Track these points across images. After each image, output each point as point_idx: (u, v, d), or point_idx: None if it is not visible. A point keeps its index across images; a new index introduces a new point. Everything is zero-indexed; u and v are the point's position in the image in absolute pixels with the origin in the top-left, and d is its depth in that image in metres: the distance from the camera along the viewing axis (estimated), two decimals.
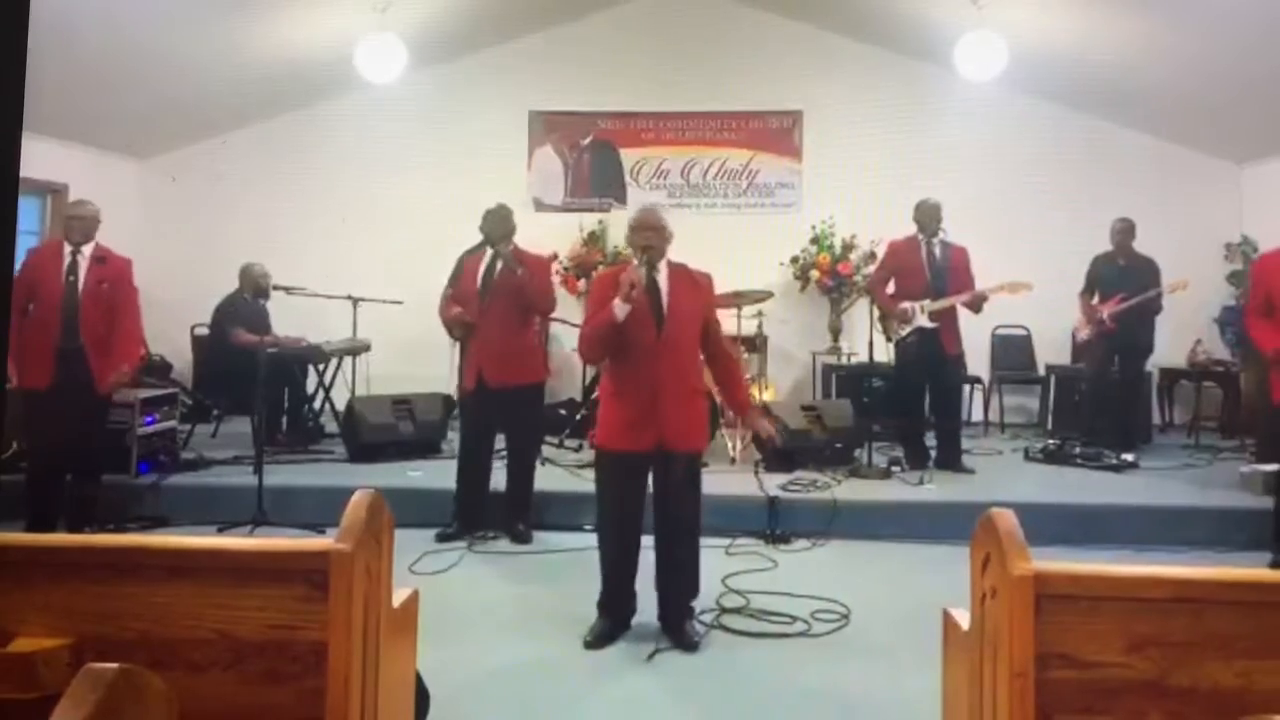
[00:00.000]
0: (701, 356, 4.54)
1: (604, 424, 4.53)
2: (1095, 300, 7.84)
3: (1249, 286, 5.76)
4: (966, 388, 8.31)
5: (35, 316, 5.69)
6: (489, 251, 6.00)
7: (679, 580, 4.46)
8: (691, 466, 4.44)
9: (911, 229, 7.37)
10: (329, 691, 2.23)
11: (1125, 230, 7.85)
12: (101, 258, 5.84)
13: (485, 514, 6.01)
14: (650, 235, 4.38)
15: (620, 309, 4.24)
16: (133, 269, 6.04)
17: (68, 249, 5.80)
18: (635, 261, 4.41)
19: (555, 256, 8.68)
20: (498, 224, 6.01)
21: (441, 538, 5.90)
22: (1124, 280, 7.71)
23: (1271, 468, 6.18)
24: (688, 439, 4.38)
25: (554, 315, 6.94)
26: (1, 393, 3.00)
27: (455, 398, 8.26)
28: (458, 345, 7.47)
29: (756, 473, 6.85)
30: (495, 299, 5.91)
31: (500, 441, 6.15)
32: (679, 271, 4.47)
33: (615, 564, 4.47)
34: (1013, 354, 9.36)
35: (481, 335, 5.93)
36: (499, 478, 6.12)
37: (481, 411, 6.00)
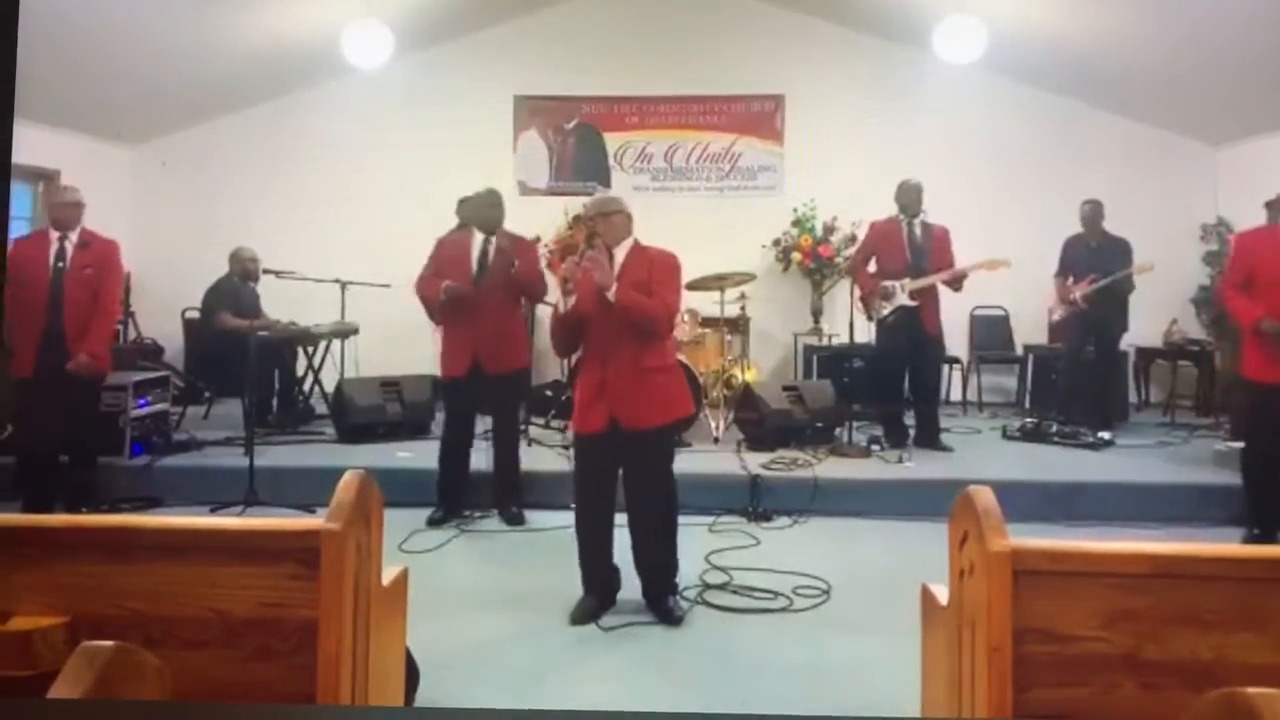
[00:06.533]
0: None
1: (574, 407, 4.62)
2: (1070, 281, 7.88)
3: (1229, 261, 5.83)
4: (945, 367, 8.35)
5: (21, 305, 5.68)
6: (478, 236, 5.92)
7: (652, 557, 4.51)
8: (659, 444, 4.47)
9: (893, 211, 7.41)
10: (320, 668, 2.27)
11: (1093, 211, 7.89)
12: (86, 243, 5.84)
13: (469, 495, 6.04)
14: (595, 223, 4.43)
15: (562, 304, 4.35)
16: (119, 251, 6.05)
17: (55, 236, 5.81)
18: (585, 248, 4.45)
19: (538, 240, 8.71)
20: (481, 210, 5.95)
21: (432, 522, 5.89)
22: (1095, 261, 7.75)
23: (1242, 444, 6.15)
24: (643, 416, 4.37)
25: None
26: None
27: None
28: (439, 329, 7.56)
29: (739, 452, 6.92)
30: (491, 286, 5.84)
31: (485, 424, 6.14)
32: (638, 252, 4.47)
33: (588, 544, 4.52)
34: (991, 334, 9.41)
35: (478, 322, 5.83)
36: (477, 458, 6.13)
37: (472, 397, 5.96)
